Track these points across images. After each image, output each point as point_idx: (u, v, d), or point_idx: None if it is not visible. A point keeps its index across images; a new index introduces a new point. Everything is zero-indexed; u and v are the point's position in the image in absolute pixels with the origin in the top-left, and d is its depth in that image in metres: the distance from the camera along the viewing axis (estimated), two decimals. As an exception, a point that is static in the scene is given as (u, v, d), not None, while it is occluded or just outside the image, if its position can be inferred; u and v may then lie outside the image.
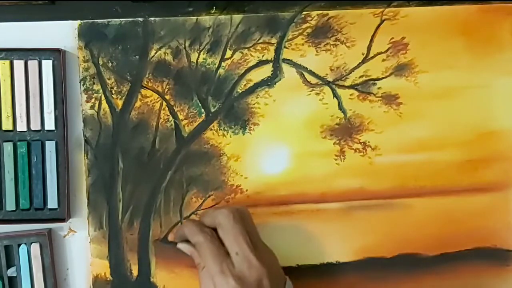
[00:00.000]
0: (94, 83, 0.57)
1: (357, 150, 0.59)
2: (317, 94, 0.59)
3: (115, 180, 0.58)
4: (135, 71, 0.58)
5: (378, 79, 0.59)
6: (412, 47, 0.58)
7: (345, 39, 0.58)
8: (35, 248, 0.56)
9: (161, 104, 0.58)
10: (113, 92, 0.58)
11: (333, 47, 0.58)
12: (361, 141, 0.59)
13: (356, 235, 0.58)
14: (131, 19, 0.57)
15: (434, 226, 0.58)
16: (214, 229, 0.51)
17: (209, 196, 0.58)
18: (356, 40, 0.58)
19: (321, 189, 0.58)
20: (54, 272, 0.57)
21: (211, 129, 0.58)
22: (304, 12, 0.58)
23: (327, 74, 0.58)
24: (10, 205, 0.56)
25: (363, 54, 0.58)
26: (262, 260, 0.50)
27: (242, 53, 0.58)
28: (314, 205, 0.58)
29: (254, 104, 0.58)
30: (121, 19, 0.57)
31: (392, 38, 0.58)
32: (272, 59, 0.58)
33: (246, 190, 0.58)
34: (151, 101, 0.58)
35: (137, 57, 0.58)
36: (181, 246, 0.54)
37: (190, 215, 0.58)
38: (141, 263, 0.58)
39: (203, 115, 0.58)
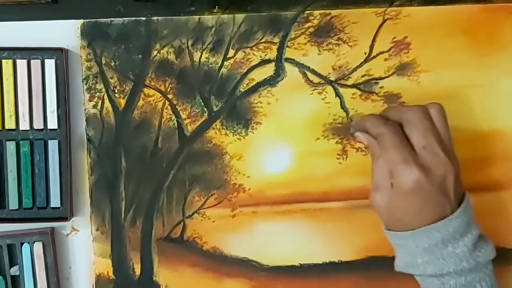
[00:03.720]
0: (97, 82, 0.57)
1: (359, 149, 0.59)
2: (320, 93, 0.59)
3: (117, 179, 0.58)
4: (138, 70, 0.58)
5: (380, 78, 0.59)
6: (414, 46, 0.58)
7: (348, 38, 0.58)
8: (38, 247, 0.56)
9: (164, 103, 0.58)
10: (116, 91, 0.58)
11: (336, 46, 0.58)
12: (363, 140, 0.59)
13: (358, 234, 0.58)
14: (133, 18, 0.57)
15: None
16: (400, 125, 0.50)
17: (211, 195, 0.58)
18: (359, 39, 0.58)
19: (323, 188, 0.58)
20: (57, 271, 0.57)
21: (214, 128, 0.58)
22: (307, 12, 0.58)
23: (329, 74, 0.58)
24: (13, 204, 0.56)
25: (365, 53, 0.58)
26: (451, 159, 0.48)
27: (244, 52, 0.58)
28: (317, 204, 0.59)
29: (256, 103, 0.58)
30: (124, 18, 0.57)
31: (395, 38, 0.58)
32: (275, 58, 0.58)
33: (249, 189, 0.58)
34: (153, 100, 0.58)
35: (140, 56, 0.58)
36: (359, 134, 0.52)
37: (193, 214, 0.58)
38: (143, 261, 0.58)
39: (206, 114, 0.58)
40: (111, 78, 0.58)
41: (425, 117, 0.49)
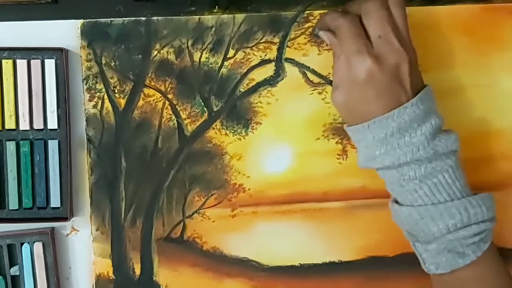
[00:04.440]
0: (97, 82, 0.57)
1: (360, 149, 0.59)
2: (320, 93, 0.59)
3: (117, 179, 0.58)
4: (138, 70, 0.58)
5: (380, 78, 0.59)
6: (414, 46, 0.58)
7: (348, 38, 0.58)
8: (38, 247, 0.56)
9: (164, 103, 0.58)
10: (116, 91, 0.58)
11: (336, 46, 0.58)
12: (363, 140, 0.59)
13: (358, 234, 0.58)
14: (133, 18, 0.57)
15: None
16: (359, 18, 0.49)
17: (211, 195, 0.58)
18: (359, 39, 0.58)
19: (323, 188, 0.58)
20: (57, 271, 0.57)
21: (214, 128, 0.58)
22: (307, 12, 0.58)
23: (329, 73, 0.58)
24: (13, 204, 0.56)
25: (365, 53, 0.58)
26: (406, 48, 0.48)
27: (244, 52, 0.58)
28: (317, 204, 0.59)
29: (256, 103, 0.58)
30: (124, 18, 0.57)
31: (395, 38, 0.58)
32: (275, 58, 0.58)
33: (249, 189, 0.58)
34: (153, 100, 0.58)
35: (140, 56, 0.58)
36: (322, 33, 0.52)
37: (193, 214, 0.58)
38: (143, 262, 0.58)
39: (206, 114, 0.58)
40: (111, 78, 0.58)
41: (382, 7, 0.49)
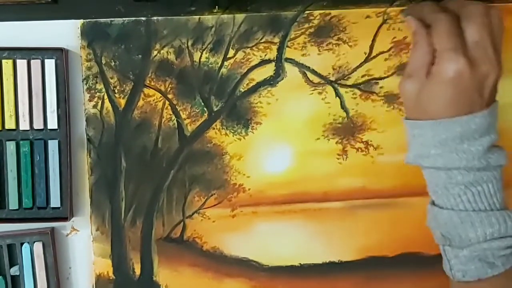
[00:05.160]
0: (97, 82, 0.57)
1: (360, 149, 0.59)
2: (320, 93, 0.59)
3: (117, 179, 0.58)
4: (138, 70, 0.58)
5: (380, 78, 0.59)
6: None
7: (348, 38, 0.58)
8: (38, 247, 0.56)
9: (164, 103, 0.58)
10: (116, 91, 0.58)
11: (336, 46, 0.58)
12: (363, 140, 0.59)
13: (358, 234, 0.58)
14: (134, 18, 0.57)
15: (436, 225, 0.58)
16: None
17: (211, 195, 0.58)
18: (359, 39, 0.58)
19: (323, 188, 0.58)
20: (57, 271, 0.57)
21: (214, 128, 0.58)
22: (307, 12, 0.58)
23: (329, 74, 0.58)
24: (13, 204, 0.56)
25: (365, 53, 0.58)
26: (498, 59, 0.48)
27: (244, 52, 0.58)
28: (317, 204, 0.59)
29: (256, 103, 0.58)
30: (124, 18, 0.57)
31: (394, 38, 0.58)
32: (275, 58, 0.58)
33: (249, 189, 0.58)
34: (153, 100, 0.58)
35: (140, 56, 0.58)
36: (410, 18, 0.50)
37: (193, 214, 0.58)
38: (143, 262, 0.58)
39: (206, 114, 0.58)
40: (111, 78, 0.58)
41: (485, 15, 0.48)
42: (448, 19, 0.48)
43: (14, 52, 0.56)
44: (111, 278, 0.58)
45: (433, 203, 0.51)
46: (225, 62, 0.58)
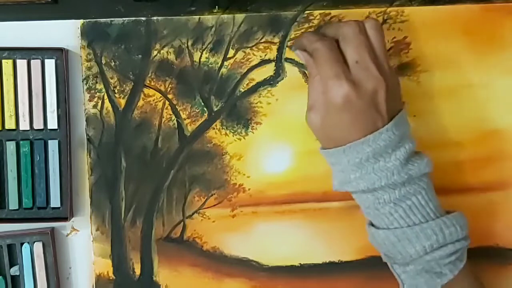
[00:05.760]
0: (97, 82, 0.57)
1: (360, 149, 0.59)
2: (320, 93, 0.59)
3: (117, 179, 0.58)
4: (138, 70, 0.58)
5: (380, 78, 0.59)
6: (414, 46, 0.58)
7: (348, 38, 0.58)
8: (38, 247, 0.56)
9: (164, 103, 0.58)
10: (116, 91, 0.58)
11: (336, 46, 0.58)
12: (363, 140, 0.59)
13: (358, 234, 0.58)
14: (133, 18, 0.57)
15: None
16: (336, 42, 0.49)
17: (211, 195, 0.58)
18: (359, 39, 0.58)
19: (323, 188, 0.58)
20: (57, 271, 0.57)
21: (214, 128, 0.58)
22: (307, 12, 0.58)
23: (329, 73, 0.58)
24: (13, 204, 0.56)
25: (365, 53, 0.58)
26: (383, 74, 0.48)
27: (244, 52, 0.58)
28: (317, 204, 0.59)
29: (256, 103, 0.58)
30: (124, 18, 0.57)
31: (394, 38, 0.58)
32: (275, 58, 0.58)
33: (249, 189, 0.58)
34: (153, 100, 0.58)
35: (140, 56, 0.58)
36: (298, 52, 0.51)
37: (193, 214, 0.58)
38: (143, 262, 0.58)
39: (206, 114, 0.58)
40: (111, 78, 0.58)
41: (360, 32, 0.48)
42: (325, 47, 0.48)
43: (14, 52, 0.56)
44: (111, 278, 0.58)
45: (370, 223, 0.52)
46: (225, 62, 0.58)
